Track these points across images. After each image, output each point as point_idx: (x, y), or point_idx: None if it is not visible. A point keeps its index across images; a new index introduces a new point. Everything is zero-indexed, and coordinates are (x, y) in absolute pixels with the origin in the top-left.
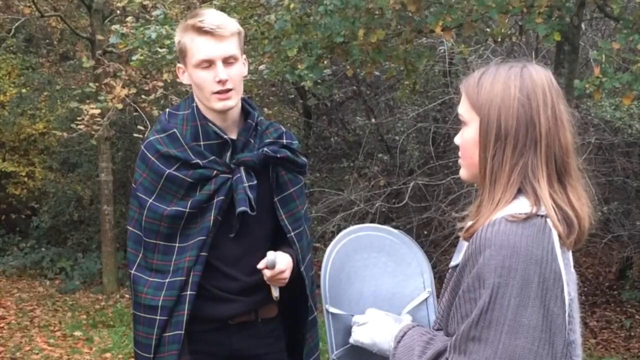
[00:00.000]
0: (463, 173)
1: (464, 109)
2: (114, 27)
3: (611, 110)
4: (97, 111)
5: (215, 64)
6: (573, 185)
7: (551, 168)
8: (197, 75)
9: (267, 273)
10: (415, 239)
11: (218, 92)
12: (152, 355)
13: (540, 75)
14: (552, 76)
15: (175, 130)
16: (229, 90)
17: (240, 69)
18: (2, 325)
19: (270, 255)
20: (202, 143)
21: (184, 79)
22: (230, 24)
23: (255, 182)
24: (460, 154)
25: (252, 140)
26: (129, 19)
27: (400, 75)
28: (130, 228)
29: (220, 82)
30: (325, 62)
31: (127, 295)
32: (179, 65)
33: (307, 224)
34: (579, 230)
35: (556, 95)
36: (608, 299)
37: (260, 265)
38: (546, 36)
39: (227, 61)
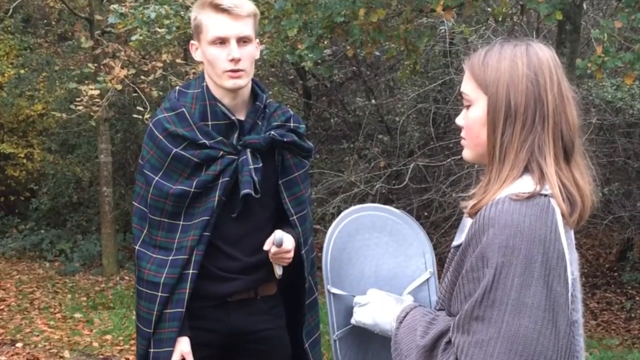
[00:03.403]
0: (467, 154)
1: (469, 88)
2: (112, 6)
3: (612, 91)
4: (96, 92)
5: (229, 42)
6: (577, 162)
7: (558, 145)
8: (210, 52)
9: (273, 250)
10: None
11: (230, 71)
12: (152, 330)
13: (545, 53)
14: (555, 54)
15: (183, 109)
16: (240, 70)
17: (253, 51)
18: (2, 307)
19: (278, 233)
20: (209, 123)
21: (196, 55)
22: (247, 5)
23: (260, 164)
24: (464, 134)
25: (260, 122)
26: None
27: (400, 56)
28: (135, 204)
29: (233, 60)
30: (325, 42)
31: (127, 277)
32: (192, 42)
33: (310, 207)
34: (582, 208)
35: (560, 73)
36: (608, 281)
37: (266, 245)
38: (548, 15)
39: (241, 41)
